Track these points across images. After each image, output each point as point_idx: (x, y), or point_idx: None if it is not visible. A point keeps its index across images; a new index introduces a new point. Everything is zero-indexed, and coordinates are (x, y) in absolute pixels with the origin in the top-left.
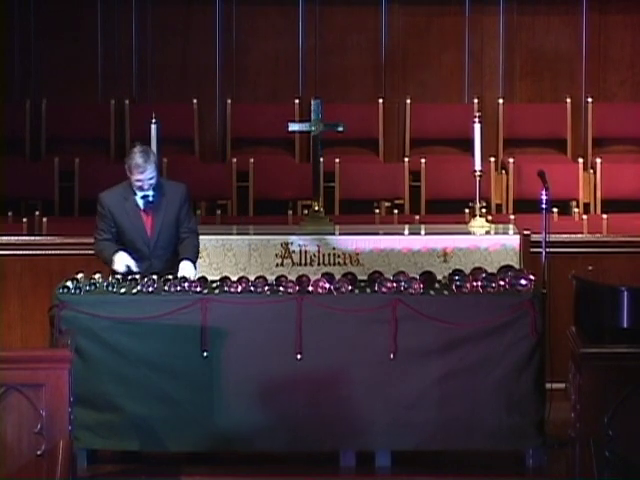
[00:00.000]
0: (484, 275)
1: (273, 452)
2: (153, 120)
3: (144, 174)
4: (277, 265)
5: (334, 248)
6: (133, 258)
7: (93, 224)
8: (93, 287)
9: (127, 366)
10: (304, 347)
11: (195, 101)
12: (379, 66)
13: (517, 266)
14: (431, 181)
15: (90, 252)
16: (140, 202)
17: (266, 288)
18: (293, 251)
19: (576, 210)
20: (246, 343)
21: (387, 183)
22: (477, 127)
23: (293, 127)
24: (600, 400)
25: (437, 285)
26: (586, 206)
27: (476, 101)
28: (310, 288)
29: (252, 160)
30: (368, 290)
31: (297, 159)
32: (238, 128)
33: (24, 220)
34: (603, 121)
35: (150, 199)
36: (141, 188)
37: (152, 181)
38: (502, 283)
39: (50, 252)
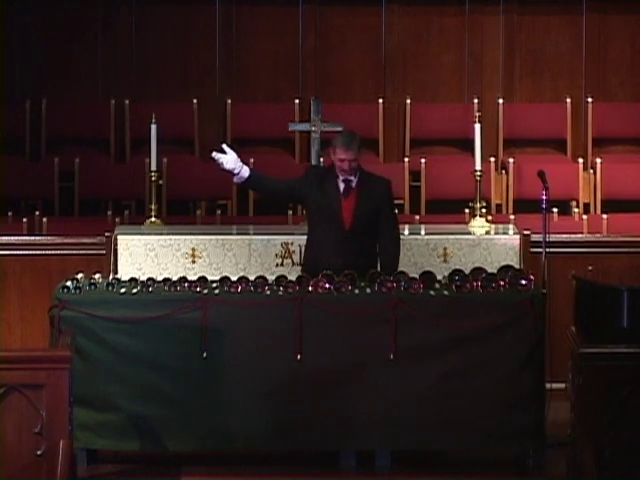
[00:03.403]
0: (484, 275)
1: (273, 452)
2: (153, 120)
3: (347, 153)
4: (277, 265)
5: None
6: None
7: (93, 224)
8: (93, 287)
9: (127, 366)
10: (304, 347)
11: (195, 101)
12: (379, 66)
13: (517, 266)
14: (431, 181)
15: (90, 252)
16: (341, 186)
17: (266, 288)
18: (293, 251)
19: (576, 210)
20: (246, 343)
21: None
22: (477, 127)
23: (293, 127)
24: (600, 400)
25: (437, 285)
26: (586, 206)
27: (476, 101)
28: (310, 288)
29: (252, 160)
30: (368, 290)
31: (297, 159)
32: (238, 128)
33: (24, 220)
34: (603, 121)
35: (352, 185)
36: (343, 169)
37: (354, 164)
38: (502, 283)
39: (50, 252)
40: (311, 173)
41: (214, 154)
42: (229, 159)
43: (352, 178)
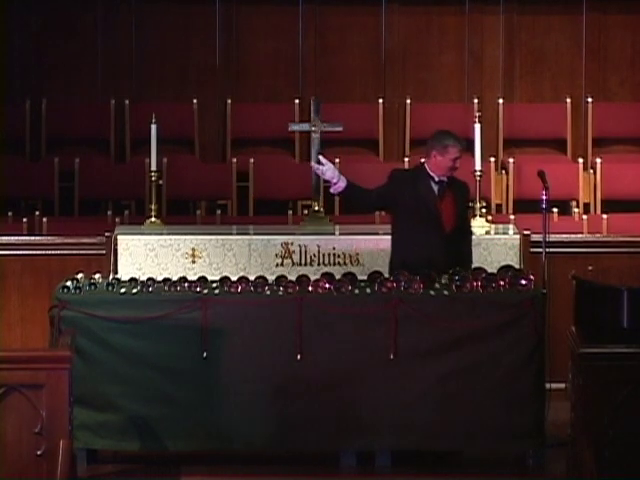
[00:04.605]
0: (484, 275)
1: (273, 452)
2: (153, 120)
3: (460, 151)
4: (277, 265)
5: (334, 248)
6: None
7: (93, 224)
8: (93, 287)
9: (127, 366)
10: (304, 347)
11: (195, 101)
12: (379, 66)
13: (517, 266)
14: None
15: (90, 252)
16: (434, 187)
17: (266, 288)
18: (293, 251)
19: (576, 210)
20: (246, 343)
21: None
22: (477, 127)
23: (293, 127)
24: (600, 400)
25: (437, 285)
26: (586, 206)
27: (476, 101)
28: (310, 288)
29: (252, 160)
30: (368, 290)
31: (297, 159)
32: (238, 128)
33: (24, 220)
34: (603, 121)
35: (445, 185)
36: (454, 168)
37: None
38: (502, 283)
39: (50, 252)
40: (398, 176)
41: (313, 164)
42: (328, 169)
43: (445, 179)
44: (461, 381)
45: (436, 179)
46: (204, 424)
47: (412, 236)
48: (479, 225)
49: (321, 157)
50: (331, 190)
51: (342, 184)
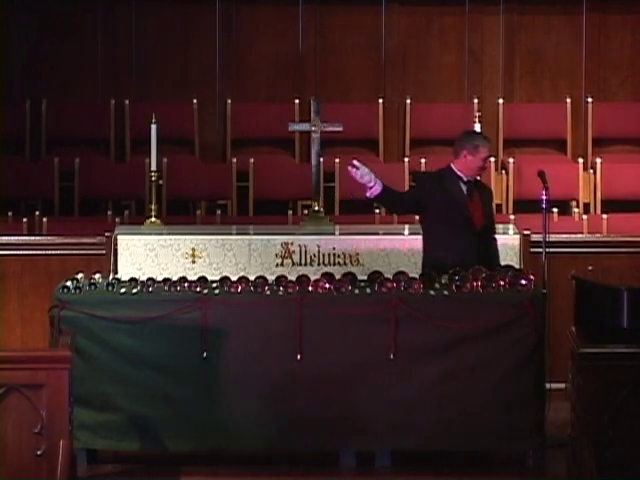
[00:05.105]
0: (484, 275)
1: (273, 452)
2: (153, 120)
3: (490, 151)
4: (277, 265)
5: (334, 248)
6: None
7: (93, 224)
8: (93, 287)
9: (127, 366)
10: (304, 347)
11: (195, 101)
12: (379, 66)
13: (517, 266)
14: None
15: (90, 252)
16: (463, 188)
17: (266, 288)
18: (293, 251)
19: (576, 210)
20: (246, 343)
21: (387, 183)
22: (477, 127)
23: (293, 127)
24: (600, 400)
25: (437, 285)
26: (586, 206)
27: (476, 101)
28: (310, 288)
29: (252, 160)
30: (368, 290)
31: (297, 159)
32: (238, 128)
33: (24, 220)
34: (603, 121)
35: (472, 186)
36: (484, 167)
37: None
38: (502, 283)
39: (50, 252)
40: (425, 179)
41: (349, 168)
42: (364, 173)
43: (472, 179)
44: (461, 381)
45: (464, 179)
46: (204, 424)
47: (444, 236)
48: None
49: (355, 161)
50: (367, 194)
51: (378, 188)
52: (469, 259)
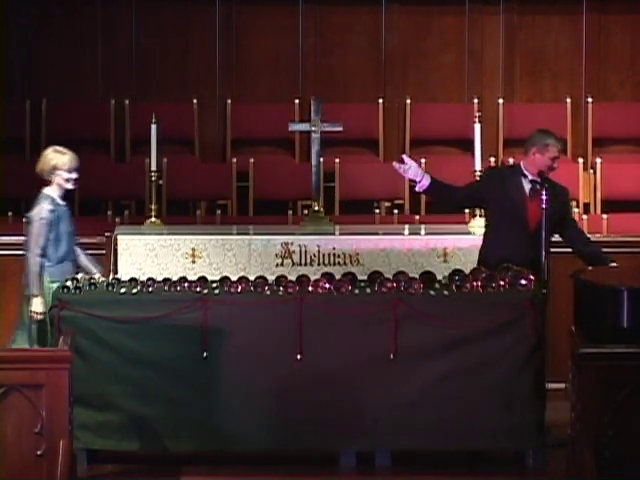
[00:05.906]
0: (484, 275)
1: (273, 452)
2: (153, 120)
3: (560, 152)
4: (277, 265)
5: (334, 248)
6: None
7: (93, 224)
8: (93, 287)
9: (127, 366)
10: (304, 347)
11: (195, 101)
12: (379, 66)
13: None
14: None
15: (90, 252)
16: (526, 186)
17: (266, 288)
18: (293, 251)
19: (576, 210)
20: (246, 343)
21: (387, 183)
22: (477, 127)
23: (293, 127)
24: (600, 400)
25: (437, 285)
26: (586, 206)
27: (476, 101)
28: (310, 288)
29: (252, 160)
30: (368, 290)
31: (297, 159)
32: (238, 128)
33: (24, 220)
34: (603, 121)
35: (537, 186)
36: (554, 167)
37: None
38: (502, 283)
39: None
40: (491, 175)
41: (394, 164)
42: (410, 168)
43: (538, 179)
44: (461, 381)
45: (530, 177)
46: (204, 424)
47: (498, 234)
48: (479, 225)
49: (404, 156)
50: (416, 188)
51: (426, 182)
52: (517, 258)
